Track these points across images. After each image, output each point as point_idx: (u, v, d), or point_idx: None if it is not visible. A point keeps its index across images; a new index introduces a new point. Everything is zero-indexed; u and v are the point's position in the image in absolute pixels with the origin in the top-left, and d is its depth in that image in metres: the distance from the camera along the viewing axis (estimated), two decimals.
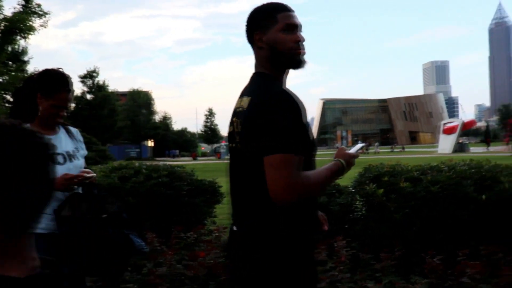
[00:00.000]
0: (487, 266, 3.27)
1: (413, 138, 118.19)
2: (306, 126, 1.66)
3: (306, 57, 1.80)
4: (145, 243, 3.80)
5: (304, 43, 1.77)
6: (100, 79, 54.08)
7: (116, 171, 5.34)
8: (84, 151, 2.68)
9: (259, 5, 1.82)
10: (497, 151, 41.95)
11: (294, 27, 1.75)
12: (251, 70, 1.87)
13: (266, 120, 1.59)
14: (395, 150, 57.79)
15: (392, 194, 3.88)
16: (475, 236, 3.58)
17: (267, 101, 1.63)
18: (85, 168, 2.63)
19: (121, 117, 55.71)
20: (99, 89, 53.09)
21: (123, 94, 61.56)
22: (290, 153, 1.55)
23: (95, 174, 2.51)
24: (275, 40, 1.73)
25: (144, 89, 63.56)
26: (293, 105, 1.62)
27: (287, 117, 1.58)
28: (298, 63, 1.76)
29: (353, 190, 4.39)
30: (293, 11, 1.79)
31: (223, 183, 5.93)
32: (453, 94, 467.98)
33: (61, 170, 2.41)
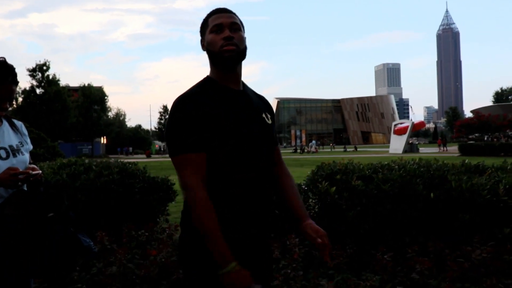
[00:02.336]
0: (435, 262, 3.36)
1: (366, 138, 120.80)
2: (207, 123, 1.72)
3: (247, 53, 1.88)
4: (95, 242, 3.70)
5: (235, 40, 1.81)
6: (50, 73, 52.38)
7: (65, 168, 5.17)
8: (29, 146, 2.56)
9: None
10: (443, 152, 43.58)
11: (221, 27, 1.82)
12: (206, 68, 1.96)
13: (166, 125, 1.79)
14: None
15: (345, 192, 3.94)
16: (424, 233, 3.68)
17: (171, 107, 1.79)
18: (30, 163, 2.52)
19: (74, 113, 54.14)
20: (49, 84, 51.37)
21: (75, 90, 59.73)
22: (183, 153, 1.72)
23: (40, 171, 2.40)
24: (208, 42, 1.85)
25: (97, 84, 61.97)
26: (184, 109, 1.72)
27: (178, 121, 1.73)
28: (225, 59, 1.81)
29: (306, 188, 4.42)
30: (226, 12, 1.87)
31: (177, 180, 5.86)
32: (404, 96, 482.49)
33: (3, 165, 2.29)
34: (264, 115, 1.93)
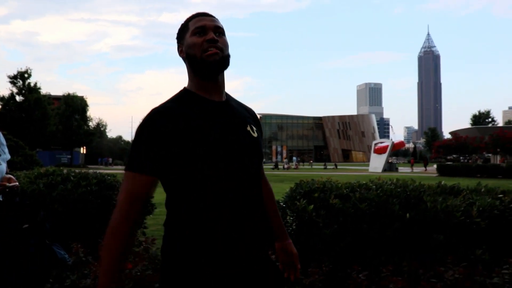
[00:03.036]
0: (409, 281, 3.40)
1: (346, 156, 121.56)
2: (187, 135, 1.56)
3: (232, 60, 1.74)
4: (70, 254, 3.66)
5: (219, 44, 1.68)
6: (32, 80, 51.82)
7: (43, 178, 5.11)
8: (6, 155, 2.54)
9: None
10: (418, 172, 44.12)
11: (204, 29, 1.69)
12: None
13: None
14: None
15: (322, 210, 3.97)
16: (399, 252, 3.72)
17: None
18: (7, 173, 2.50)
19: (53, 122, 53.49)
20: (29, 91, 50.78)
21: (57, 98, 59.13)
22: (128, 170, 1.60)
23: (17, 183, 2.38)
24: (188, 45, 1.71)
25: (80, 94, 61.54)
26: (147, 126, 1.58)
27: (138, 136, 1.59)
28: (208, 63, 1.66)
29: (284, 205, 4.45)
30: (207, 15, 1.76)
31: (155, 193, 5.83)
32: (385, 115, 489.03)
33: None
34: (249, 128, 1.75)
